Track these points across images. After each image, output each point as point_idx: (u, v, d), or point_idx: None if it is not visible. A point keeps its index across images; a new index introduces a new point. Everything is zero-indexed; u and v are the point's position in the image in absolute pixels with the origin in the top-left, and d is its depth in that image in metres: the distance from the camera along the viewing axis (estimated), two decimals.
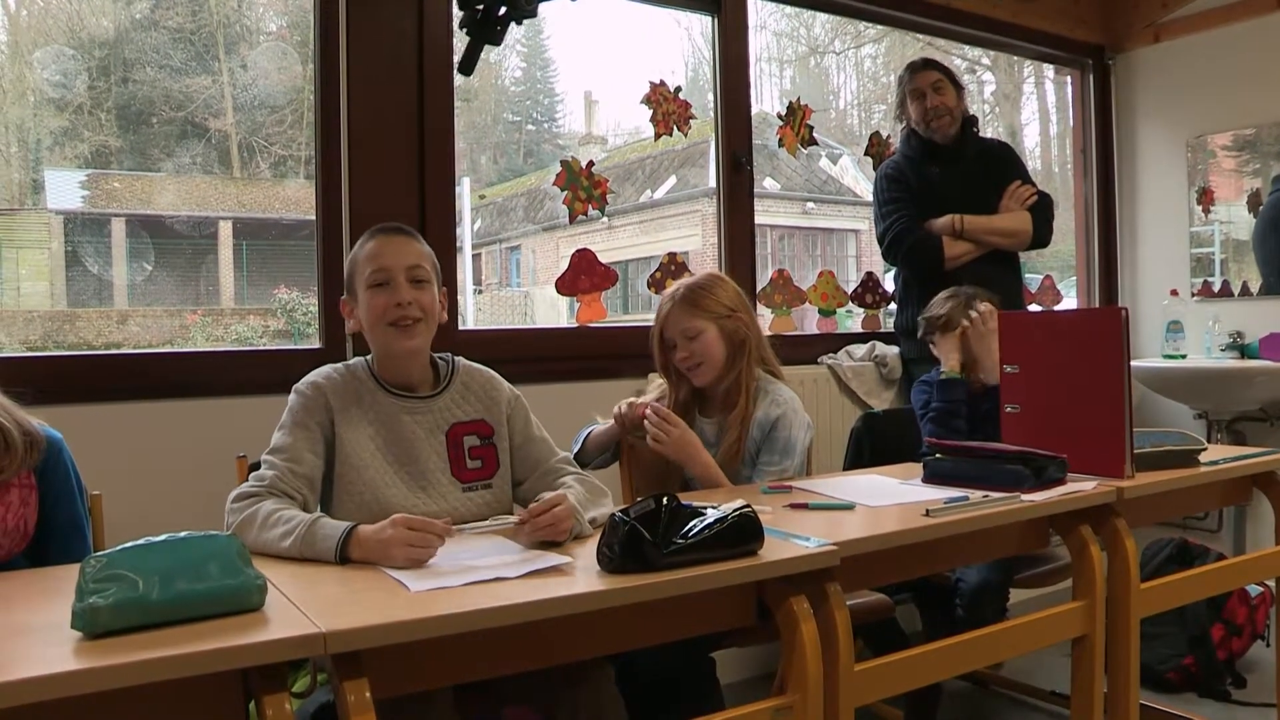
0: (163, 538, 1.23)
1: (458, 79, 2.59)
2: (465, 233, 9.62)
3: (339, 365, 1.87)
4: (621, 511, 1.43)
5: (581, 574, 1.43)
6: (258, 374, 2.38)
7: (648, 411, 2.22)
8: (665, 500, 1.46)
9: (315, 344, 2.57)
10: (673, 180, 10.63)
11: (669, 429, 2.18)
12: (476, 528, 1.67)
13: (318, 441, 1.76)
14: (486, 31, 2.00)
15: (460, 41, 2.41)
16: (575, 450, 2.32)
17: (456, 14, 2.05)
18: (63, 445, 1.72)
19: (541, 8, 2.12)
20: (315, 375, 1.83)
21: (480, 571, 1.41)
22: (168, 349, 4.30)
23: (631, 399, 2.31)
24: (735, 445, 2.24)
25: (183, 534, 1.24)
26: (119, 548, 1.20)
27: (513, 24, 2.13)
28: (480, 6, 1.97)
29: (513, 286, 11.40)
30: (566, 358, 2.88)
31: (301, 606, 1.25)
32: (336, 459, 1.77)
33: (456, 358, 1.95)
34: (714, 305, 2.30)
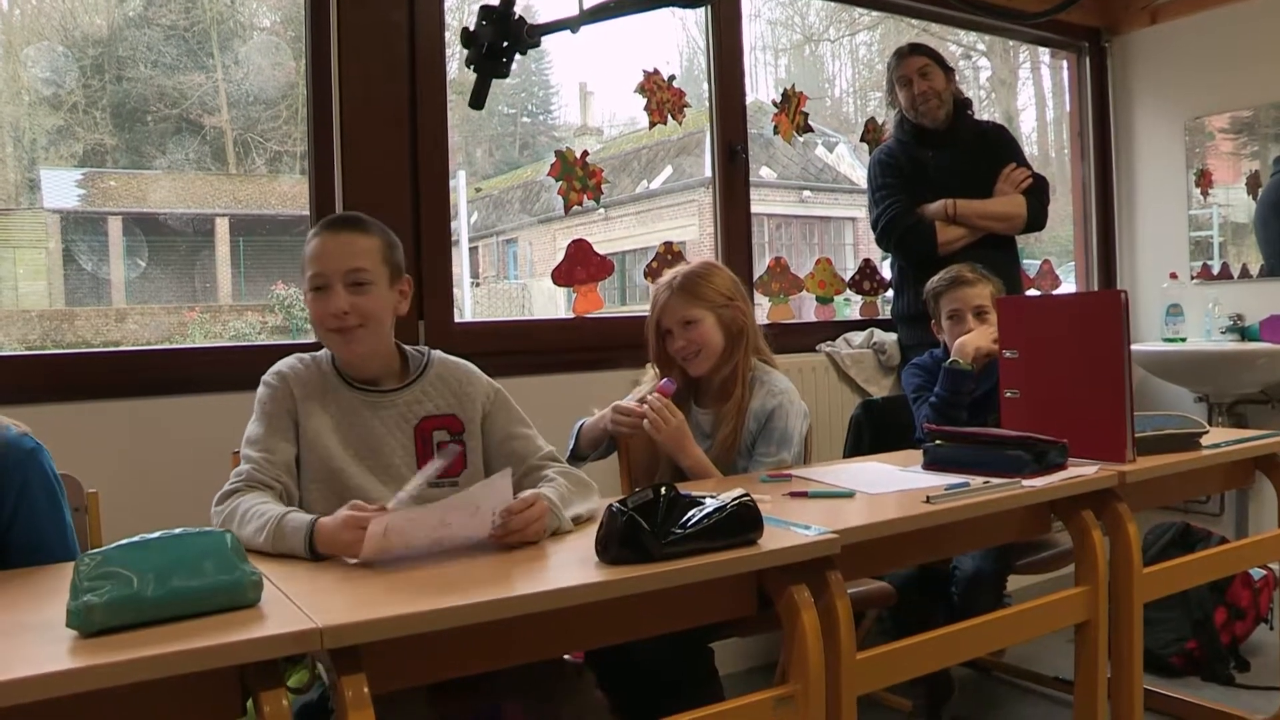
0: (158, 534, 1.22)
1: (451, 72, 2.57)
2: (462, 226, 9.60)
3: (305, 355, 1.85)
4: (619, 502, 1.42)
5: (580, 565, 1.42)
6: (256, 370, 2.34)
7: (649, 398, 2.20)
8: (664, 490, 1.45)
9: (312, 339, 2.55)
10: (669, 170, 10.59)
11: (669, 418, 2.17)
12: (409, 491, 1.60)
13: (289, 428, 1.76)
14: (492, 66, 2.00)
15: (453, 34, 2.40)
16: (570, 446, 2.30)
17: (461, 52, 2.05)
18: (32, 455, 1.51)
19: (544, 39, 2.12)
20: (280, 365, 1.84)
21: (450, 540, 1.45)
22: (166, 346, 4.28)
23: (621, 402, 2.26)
24: (731, 436, 2.22)
25: (178, 530, 1.23)
26: (114, 545, 1.19)
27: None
28: (485, 45, 1.96)
29: (510, 279, 11.37)
30: (563, 349, 2.87)
31: (298, 602, 1.24)
32: (301, 447, 1.76)
33: (433, 351, 1.91)
34: (712, 294, 2.28)
